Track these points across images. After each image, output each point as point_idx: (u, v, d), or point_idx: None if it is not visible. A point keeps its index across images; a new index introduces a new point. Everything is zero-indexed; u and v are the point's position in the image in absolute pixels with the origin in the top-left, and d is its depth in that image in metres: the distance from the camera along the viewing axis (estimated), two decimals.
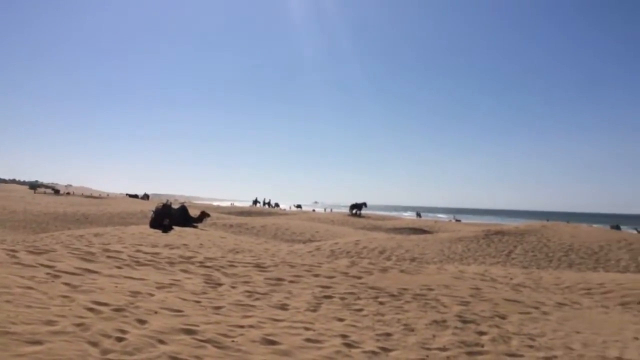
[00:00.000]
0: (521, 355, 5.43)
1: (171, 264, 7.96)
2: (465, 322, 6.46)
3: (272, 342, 4.64)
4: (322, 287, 7.57)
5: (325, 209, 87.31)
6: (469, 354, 5.28)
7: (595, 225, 44.36)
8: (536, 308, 7.81)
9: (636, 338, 6.92)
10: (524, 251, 17.55)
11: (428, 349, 5.27)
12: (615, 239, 19.12)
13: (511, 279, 10.45)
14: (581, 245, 17.96)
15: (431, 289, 8.18)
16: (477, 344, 5.61)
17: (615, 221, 68.41)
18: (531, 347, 5.81)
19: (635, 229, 47.33)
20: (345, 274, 8.76)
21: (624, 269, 15.24)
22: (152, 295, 5.77)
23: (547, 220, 34.05)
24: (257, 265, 8.65)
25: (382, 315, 6.39)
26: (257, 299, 6.44)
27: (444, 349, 5.30)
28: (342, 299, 7.01)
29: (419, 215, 72.10)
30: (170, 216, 19.50)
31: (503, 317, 6.98)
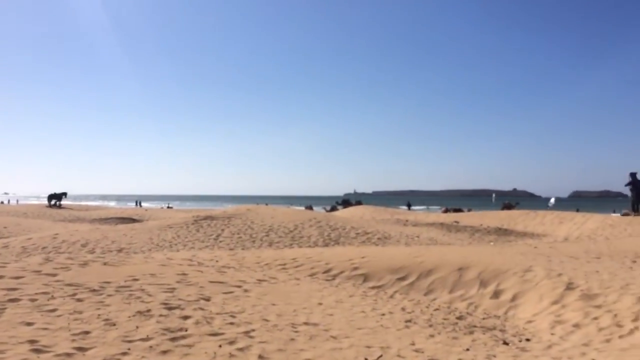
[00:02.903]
0: (223, 333, 5.69)
1: None
2: (170, 308, 6.45)
3: None
4: (7, 289, 6.61)
5: (9, 201, 76.96)
6: (173, 339, 5.30)
7: (292, 207, 49.35)
8: (238, 287, 8.29)
9: (320, 303, 7.96)
10: (230, 234, 18.46)
11: (130, 341, 5.10)
12: (307, 217, 21.63)
13: (217, 261, 10.87)
14: (280, 225, 19.79)
15: (136, 279, 7.93)
16: (181, 329, 5.66)
17: (309, 202, 77.43)
18: (232, 324, 6.14)
19: (324, 208, 54.47)
20: (38, 272, 7.83)
21: (313, 244, 17.36)
22: None
23: (259, 204, 36.63)
24: None
25: (80, 312, 5.93)
26: None
27: (147, 339, 5.20)
28: (32, 300, 6.25)
29: (139, 204, 69.53)
30: None
31: (208, 299, 7.20)
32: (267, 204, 40.36)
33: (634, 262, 11.59)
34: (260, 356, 5.17)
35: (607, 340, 6.39)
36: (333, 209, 52.70)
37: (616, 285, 8.50)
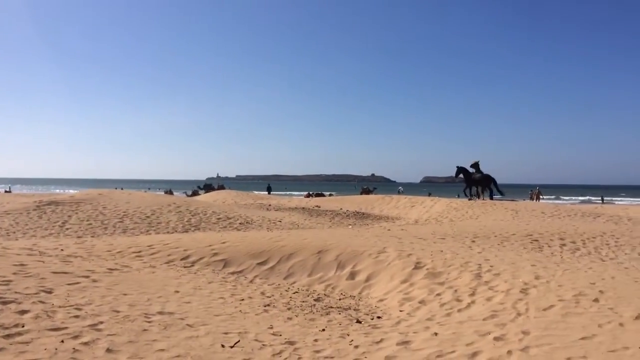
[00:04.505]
0: (66, 327, 5.24)
1: None
2: (4, 303, 5.79)
3: None
4: None
5: None
6: (7, 336, 4.77)
7: (149, 191, 47.33)
8: (86, 277, 7.70)
9: (177, 291, 7.68)
10: (79, 220, 17.14)
11: None
12: (166, 202, 20.81)
13: (62, 250, 10.01)
14: (135, 210, 18.80)
15: None
16: (17, 325, 5.11)
17: (169, 186, 74.96)
18: (77, 317, 5.68)
19: (185, 193, 53.01)
20: None
21: (172, 230, 16.76)
22: None
23: (117, 188, 34.45)
24: None
25: None
26: None
27: None
28: None
29: None
30: None
31: (49, 292, 6.58)
32: (121, 189, 38.29)
33: (473, 241, 12.79)
34: (108, 349, 4.84)
35: (448, 314, 6.94)
36: (194, 193, 51.47)
37: (457, 263, 9.29)
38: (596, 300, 6.92)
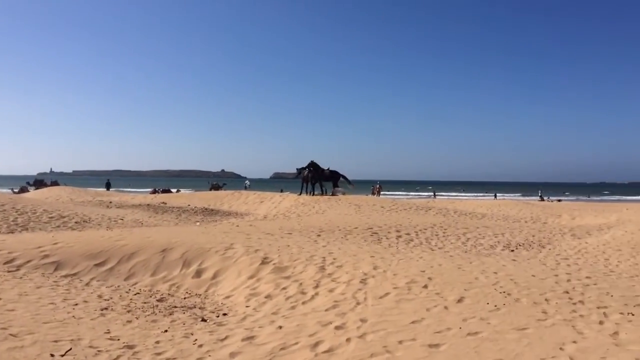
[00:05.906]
0: None
1: None
2: None
3: None
4: None
5: None
6: None
7: None
8: None
9: None
10: None
11: None
12: None
13: None
14: None
15: None
16: None
17: None
18: None
19: (12, 190, 47.78)
20: None
21: None
22: None
23: None
24: None
25: None
26: None
27: None
28: None
29: None
30: None
31: None
32: None
33: (319, 235, 13.26)
34: None
35: (293, 307, 7.11)
36: (22, 190, 46.47)
37: (303, 257, 9.55)
38: (425, 286, 7.57)
